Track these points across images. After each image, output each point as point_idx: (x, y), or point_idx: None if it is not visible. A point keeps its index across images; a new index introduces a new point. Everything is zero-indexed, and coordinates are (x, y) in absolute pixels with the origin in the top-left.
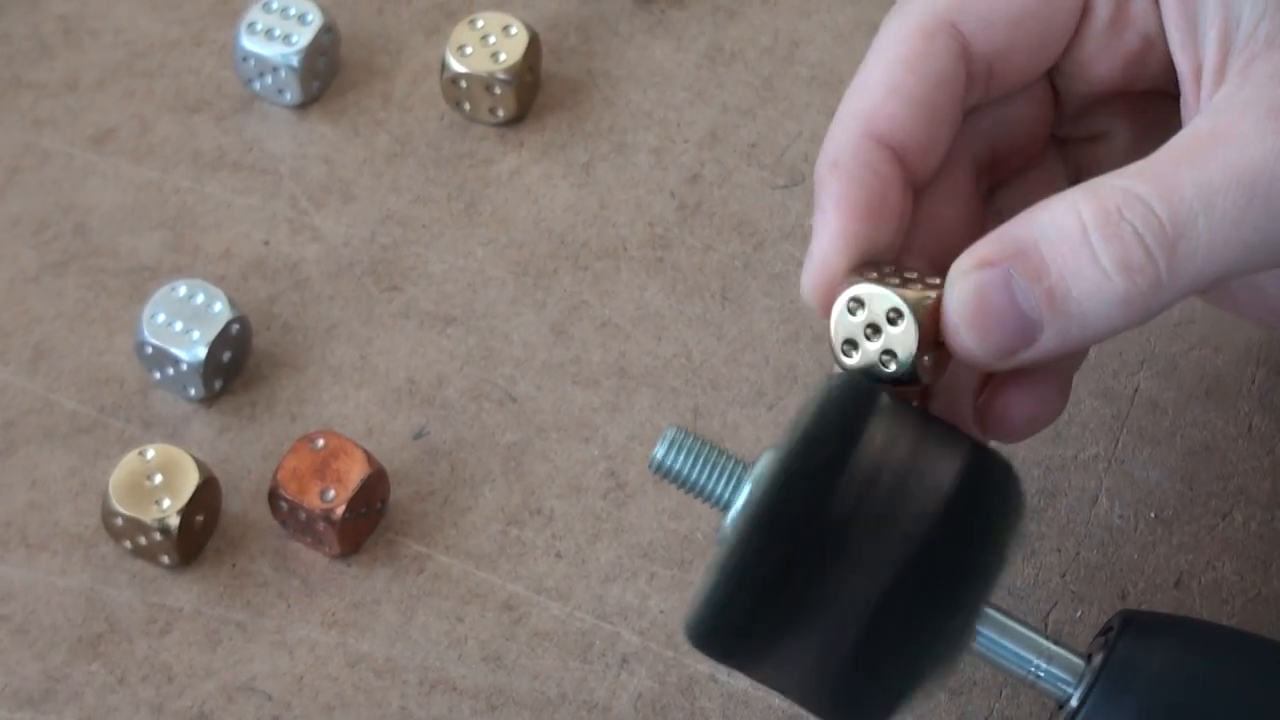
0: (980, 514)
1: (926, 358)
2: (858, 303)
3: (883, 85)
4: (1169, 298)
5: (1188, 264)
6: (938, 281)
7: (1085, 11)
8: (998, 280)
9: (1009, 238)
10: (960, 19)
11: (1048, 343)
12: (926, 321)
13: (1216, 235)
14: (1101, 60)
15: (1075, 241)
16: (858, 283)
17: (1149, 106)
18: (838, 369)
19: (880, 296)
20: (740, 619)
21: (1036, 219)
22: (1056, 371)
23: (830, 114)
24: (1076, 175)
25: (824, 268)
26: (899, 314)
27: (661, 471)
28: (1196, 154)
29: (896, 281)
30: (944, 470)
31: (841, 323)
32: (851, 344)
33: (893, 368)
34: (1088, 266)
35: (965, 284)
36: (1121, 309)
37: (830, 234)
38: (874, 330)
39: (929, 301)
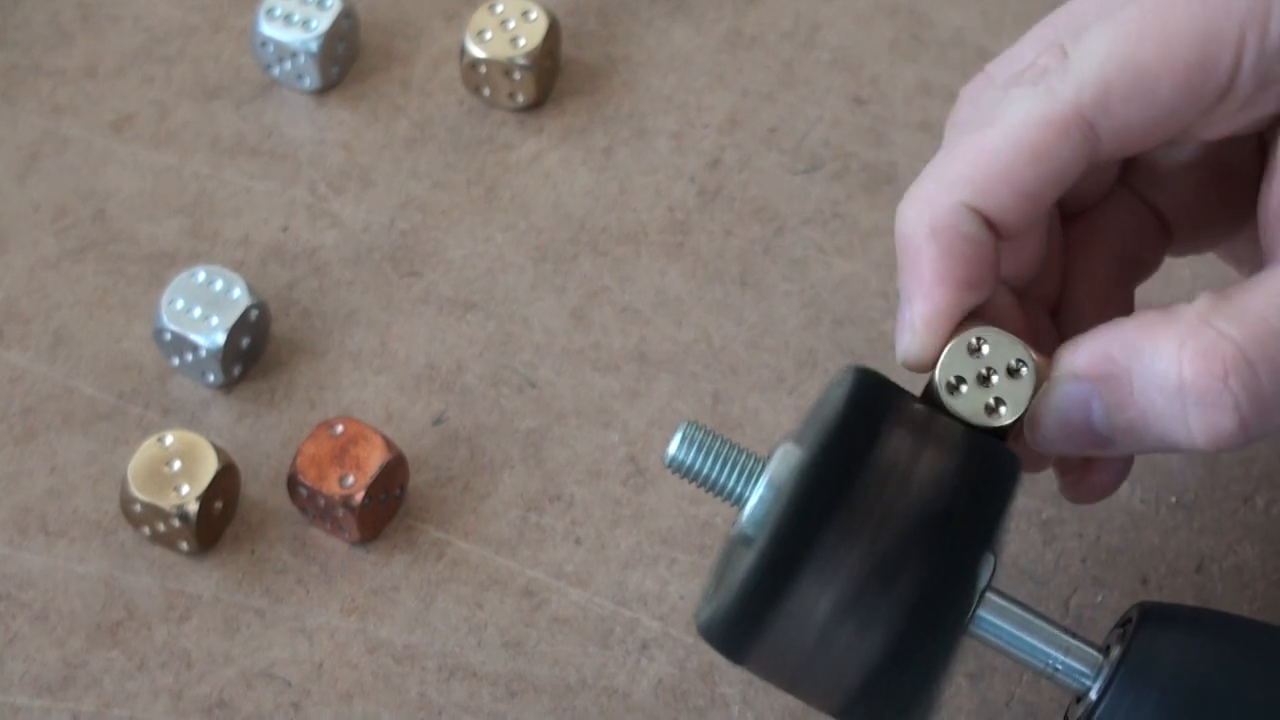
0: (990, 511)
1: None
2: (980, 343)
3: (999, 168)
4: (1243, 447)
5: (1274, 422)
6: (1019, 362)
7: (1220, 98)
8: (1079, 398)
9: (1105, 358)
10: (1100, 120)
11: (1115, 453)
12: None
13: None
14: (1213, 131)
15: (1169, 394)
16: (980, 324)
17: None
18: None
19: (1008, 344)
20: (756, 621)
21: (1138, 351)
22: None
23: (850, 98)
24: (1134, 165)
25: (931, 340)
26: (1022, 364)
27: (676, 468)
28: None
29: (980, 355)
30: (958, 469)
31: (954, 359)
32: (958, 383)
33: (1004, 414)
34: (1174, 420)
35: (1052, 392)
36: (1196, 451)
37: (935, 309)
38: (987, 374)
39: (1042, 370)
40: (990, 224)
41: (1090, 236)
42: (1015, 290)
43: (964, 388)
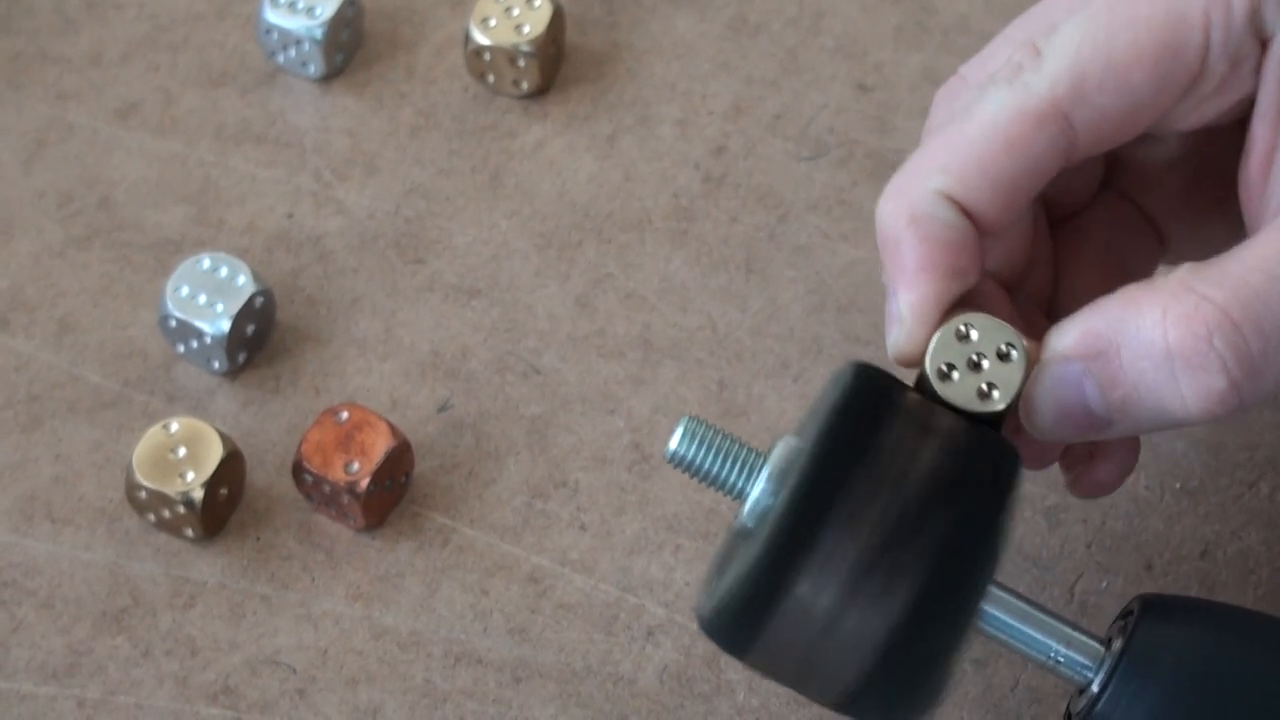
0: (994, 506)
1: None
2: (968, 329)
3: (976, 159)
4: (1240, 413)
5: (1267, 386)
6: (1009, 346)
7: (1194, 81)
8: (1072, 378)
9: (1092, 335)
10: (1076, 111)
11: (1115, 433)
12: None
13: None
14: (1188, 119)
15: (1157, 362)
16: (967, 311)
17: (1208, 133)
18: (853, 368)
19: (996, 328)
20: (758, 615)
21: (1123, 323)
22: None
23: (855, 85)
24: (1115, 162)
25: (919, 329)
26: (1012, 348)
27: (677, 463)
28: None
29: (969, 341)
30: (959, 461)
31: (943, 346)
32: (949, 370)
33: (996, 399)
34: (1166, 389)
35: (1044, 375)
36: (1194, 420)
37: (920, 297)
38: (977, 360)
39: (1032, 354)
40: (968, 214)
41: (1079, 238)
42: (1007, 287)
43: (955, 374)
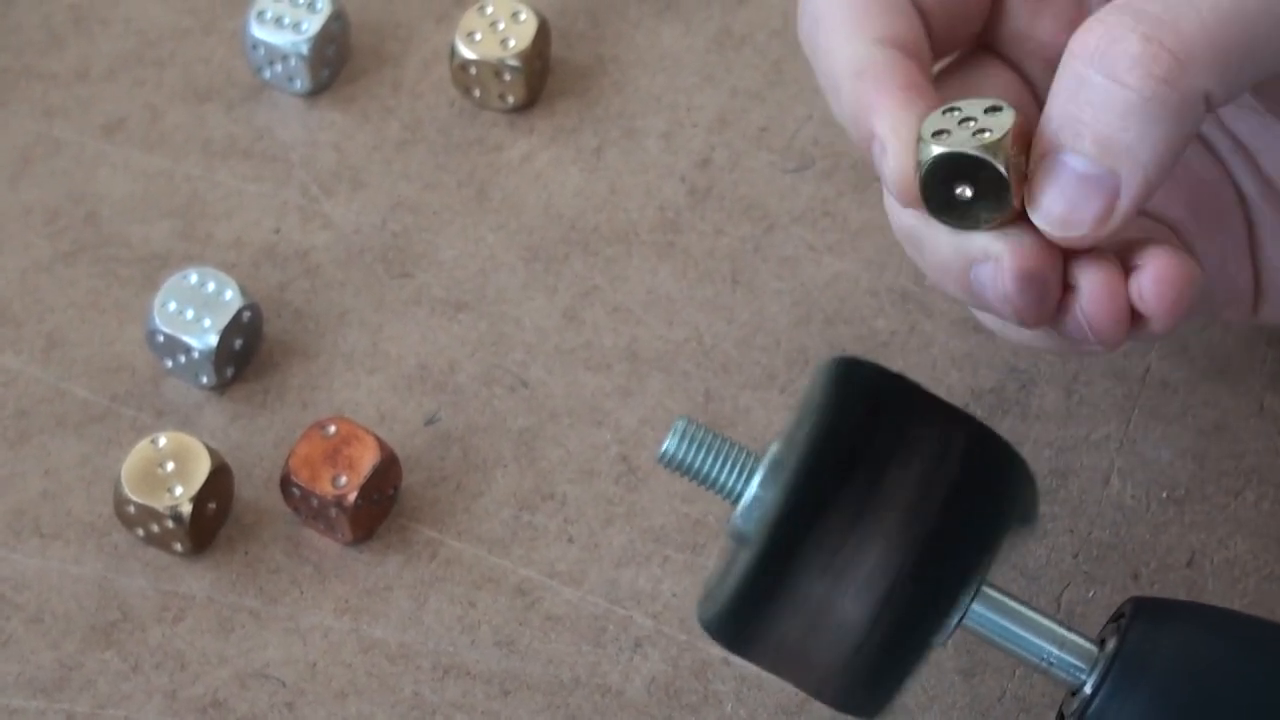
0: (988, 496)
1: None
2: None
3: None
4: (1197, 83)
5: (1195, 39)
6: (986, 103)
7: None
8: (1058, 162)
9: (1052, 125)
10: None
11: (1127, 199)
12: (1016, 137)
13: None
14: None
15: (1091, 79)
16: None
17: None
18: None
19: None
20: (752, 613)
21: (1063, 91)
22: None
23: None
24: None
25: (908, 152)
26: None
27: (671, 464)
28: None
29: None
30: (953, 455)
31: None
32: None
33: (992, 133)
34: (1108, 93)
35: (1037, 177)
36: (1161, 113)
37: (901, 119)
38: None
39: (1005, 129)
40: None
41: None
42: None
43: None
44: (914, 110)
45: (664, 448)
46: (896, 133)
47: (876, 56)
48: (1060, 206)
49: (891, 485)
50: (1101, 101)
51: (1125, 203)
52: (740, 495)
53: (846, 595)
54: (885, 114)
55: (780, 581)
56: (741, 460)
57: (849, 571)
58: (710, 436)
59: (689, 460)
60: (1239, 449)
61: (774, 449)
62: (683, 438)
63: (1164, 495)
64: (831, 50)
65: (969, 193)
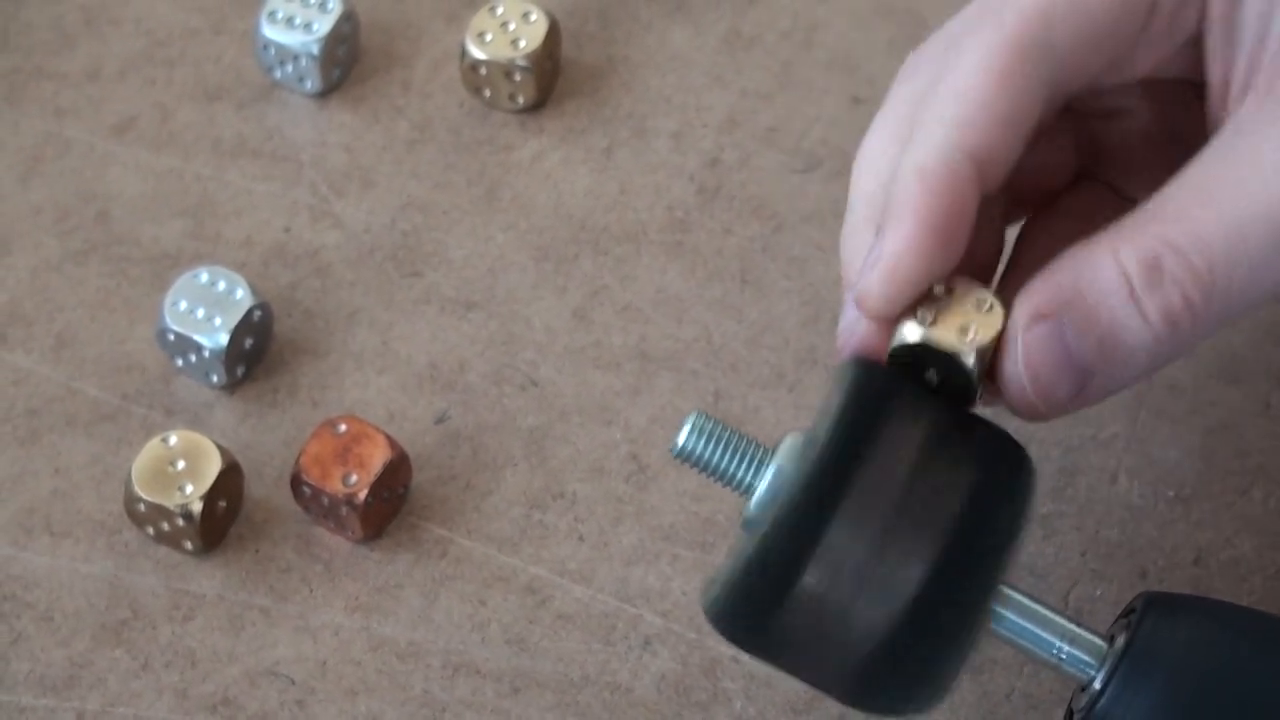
0: (1003, 501)
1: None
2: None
3: (976, 99)
4: (1205, 334)
5: (1223, 303)
6: (988, 299)
7: (1149, 12)
8: (1049, 333)
9: (1057, 287)
10: (1048, 37)
11: (1096, 390)
12: (987, 357)
13: (1250, 274)
14: (1146, 58)
15: (1123, 294)
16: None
17: (1174, 93)
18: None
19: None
20: (760, 607)
21: (1081, 270)
22: None
23: (848, 98)
24: (1090, 147)
25: (906, 279)
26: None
27: (685, 457)
28: (1222, 191)
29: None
30: (968, 460)
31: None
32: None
33: (978, 337)
34: (1134, 318)
35: (1026, 339)
36: (1166, 350)
37: (911, 248)
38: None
39: (993, 335)
40: (979, 171)
41: (1054, 221)
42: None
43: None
44: (925, 267)
45: (679, 441)
46: (902, 263)
47: (949, 167)
48: (1035, 386)
49: (913, 486)
50: (1126, 315)
51: (1079, 402)
52: (753, 487)
53: (864, 599)
54: (905, 241)
55: (792, 574)
56: (754, 453)
57: (872, 577)
58: (724, 430)
59: (703, 454)
60: (1245, 448)
61: (787, 441)
62: (698, 432)
63: (1171, 494)
64: (934, 114)
65: (935, 378)
